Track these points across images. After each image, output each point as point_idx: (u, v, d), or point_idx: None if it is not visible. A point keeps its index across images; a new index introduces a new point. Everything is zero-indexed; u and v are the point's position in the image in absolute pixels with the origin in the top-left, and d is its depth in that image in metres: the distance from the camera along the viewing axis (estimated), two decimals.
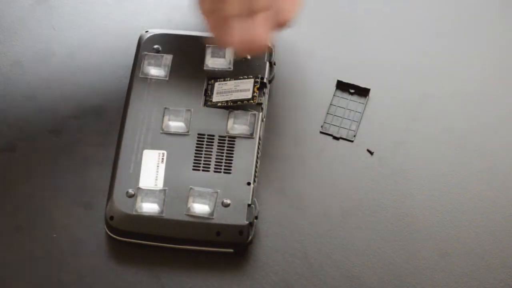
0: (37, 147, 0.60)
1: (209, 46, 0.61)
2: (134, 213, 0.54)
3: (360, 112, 0.63)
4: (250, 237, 0.55)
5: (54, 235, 0.57)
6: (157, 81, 0.59)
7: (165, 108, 0.58)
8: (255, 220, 0.56)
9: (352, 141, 0.61)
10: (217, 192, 0.55)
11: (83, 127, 0.61)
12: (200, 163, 0.56)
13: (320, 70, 0.64)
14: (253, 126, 0.58)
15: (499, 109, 0.63)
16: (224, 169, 0.56)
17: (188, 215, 0.55)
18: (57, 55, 0.64)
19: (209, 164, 0.56)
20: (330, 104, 0.63)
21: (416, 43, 0.66)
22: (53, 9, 0.67)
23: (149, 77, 0.59)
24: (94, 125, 0.61)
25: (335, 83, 0.63)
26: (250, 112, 0.58)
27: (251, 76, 0.59)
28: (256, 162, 0.57)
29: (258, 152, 0.57)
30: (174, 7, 0.67)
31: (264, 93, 0.59)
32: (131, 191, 0.55)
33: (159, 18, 0.67)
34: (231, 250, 0.55)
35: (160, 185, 0.55)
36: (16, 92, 0.63)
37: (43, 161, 0.60)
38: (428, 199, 0.59)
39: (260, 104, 0.58)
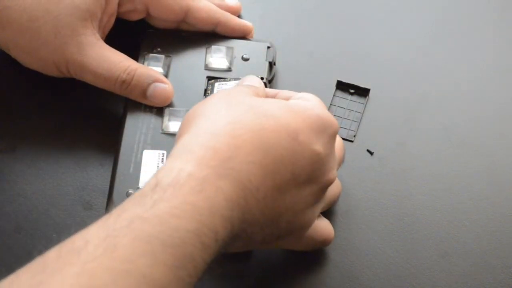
0: (37, 147, 0.60)
1: (209, 46, 0.61)
2: None
3: (360, 112, 0.63)
4: None
5: (54, 235, 0.57)
6: None
7: (165, 108, 0.58)
8: None
9: (352, 141, 0.61)
10: None
11: (83, 127, 0.61)
12: None
13: (320, 70, 0.64)
14: None
15: (499, 109, 0.63)
16: None
17: None
18: None
19: None
20: (330, 104, 0.63)
21: (416, 43, 0.66)
22: None
23: None
24: (94, 125, 0.61)
25: (335, 83, 0.63)
26: None
27: None
28: None
29: None
30: None
31: None
32: (131, 191, 0.55)
33: None
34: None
35: None
36: (16, 91, 0.63)
37: (43, 161, 0.60)
38: (428, 199, 0.59)
39: None
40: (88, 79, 0.58)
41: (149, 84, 0.57)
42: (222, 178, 0.43)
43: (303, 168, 0.47)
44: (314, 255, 0.56)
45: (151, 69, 0.59)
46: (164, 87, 0.57)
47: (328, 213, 0.58)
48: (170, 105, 0.58)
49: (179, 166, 0.43)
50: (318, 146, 0.47)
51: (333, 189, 0.53)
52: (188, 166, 0.43)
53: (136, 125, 0.57)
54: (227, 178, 0.43)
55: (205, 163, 0.43)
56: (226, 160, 0.44)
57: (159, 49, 0.61)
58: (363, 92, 0.63)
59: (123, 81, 0.57)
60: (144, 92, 0.57)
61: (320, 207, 0.51)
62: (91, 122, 0.61)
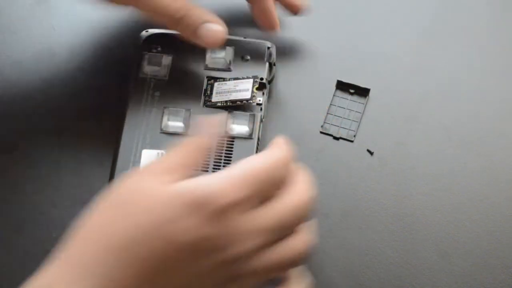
0: (37, 147, 0.60)
1: None
2: None
3: (360, 112, 0.63)
4: None
5: (54, 235, 0.57)
6: (157, 81, 0.59)
7: (165, 108, 0.58)
8: None
9: (352, 141, 0.61)
10: None
11: (83, 127, 0.61)
12: None
13: (320, 70, 0.64)
14: (252, 126, 0.58)
15: (499, 109, 0.63)
16: None
17: None
18: (57, 55, 0.64)
19: (208, 165, 0.56)
20: (330, 104, 0.63)
21: (416, 43, 0.66)
22: (53, 9, 0.67)
23: (148, 76, 0.59)
24: (94, 125, 0.61)
25: (335, 83, 0.63)
26: (249, 113, 0.58)
27: (251, 76, 0.59)
28: None
29: (257, 153, 0.57)
30: None
31: (263, 94, 0.59)
32: None
33: None
34: None
35: None
36: (16, 92, 0.63)
37: (43, 161, 0.60)
38: (428, 199, 0.59)
39: (260, 104, 0.58)
40: (144, 8, 0.58)
41: (201, 24, 0.58)
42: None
43: (184, 260, 0.45)
44: (315, 255, 0.56)
45: (206, 11, 0.58)
46: (217, 28, 0.58)
47: (327, 214, 0.58)
48: (169, 104, 0.58)
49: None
50: (194, 231, 0.44)
51: (290, 248, 0.48)
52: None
53: (135, 125, 0.57)
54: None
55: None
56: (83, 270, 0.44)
57: (159, 48, 0.61)
58: (363, 92, 0.63)
59: (181, 18, 0.57)
60: (195, 31, 0.58)
61: (252, 277, 0.47)
62: (91, 122, 0.61)
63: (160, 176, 0.46)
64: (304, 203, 0.47)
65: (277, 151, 0.48)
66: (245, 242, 0.45)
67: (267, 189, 0.46)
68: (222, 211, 0.44)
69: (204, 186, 0.44)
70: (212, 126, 0.49)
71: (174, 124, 0.57)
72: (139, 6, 0.58)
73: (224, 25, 0.58)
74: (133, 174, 0.47)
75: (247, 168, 0.46)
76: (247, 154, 0.57)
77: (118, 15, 0.66)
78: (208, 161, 0.56)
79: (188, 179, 0.46)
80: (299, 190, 0.48)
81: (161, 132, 0.57)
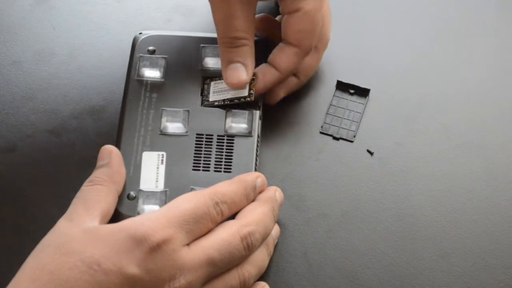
0: (37, 147, 0.60)
1: (204, 46, 0.61)
2: (136, 215, 0.54)
3: (360, 112, 0.63)
4: None
5: None
6: (153, 83, 0.59)
7: (163, 109, 0.58)
8: None
9: (352, 141, 0.61)
10: None
11: (83, 127, 0.61)
12: (200, 163, 0.56)
13: (320, 70, 0.64)
14: (251, 124, 0.57)
15: (499, 109, 0.63)
16: (224, 168, 0.56)
17: None
18: (57, 55, 0.64)
19: (209, 164, 0.56)
20: (330, 104, 0.63)
21: (416, 43, 0.66)
22: (53, 9, 0.67)
23: (144, 79, 0.59)
24: (94, 125, 0.61)
25: (335, 83, 0.63)
26: (248, 110, 0.58)
27: None
28: (256, 160, 0.57)
29: (257, 150, 0.57)
30: (174, 7, 0.67)
31: None
32: (132, 193, 0.55)
33: (159, 18, 0.67)
34: None
35: (161, 186, 0.55)
36: (16, 92, 0.63)
37: (43, 161, 0.60)
38: (428, 199, 0.59)
39: (257, 101, 0.58)
40: (214, 16, 0.58)
41: (234, 62, 0.57)
42: None
43: None
44: (315, 255, 0.56)
45: (252, 57, 0.58)
46: (240, 74, 0.57)
47: (327, 214, 0.58)
48: (167, 106, 0.58)
49: None
50: (132, 268, 0.46)
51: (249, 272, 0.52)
52: None
53: (134, 128, 0.57)
54: None
55: None
56: None
57: (154, 50, 0.60)
58: (363, 92, 0.63)
59: (229, 43, 0.57)
60: (227, 64, 0.58)
61: None
62: (91, 122, 0.61)
63: (89, 220, 0.50)
64: (234, 237, 0.50)
65: (205, 192, 0.51)
66: (185, 275, 0.48)
67: (194, 228, 0.49)
68: (158, 246, 0.47)
69: (138, 224, 0.47)
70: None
71: (173, 125, 0.57)
72: (212, 10, 0.58)
73: (251, 75, 0.58)
74: (62, 221, 0.50)
75: (171, 208, 0.49)
76: (248, 151, 0.57)
77: (118, 15, 0.66)
78: (209, 160, 0.56)
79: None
80: (230, 225, 0.50)
81: (160, 134, 0.57)
